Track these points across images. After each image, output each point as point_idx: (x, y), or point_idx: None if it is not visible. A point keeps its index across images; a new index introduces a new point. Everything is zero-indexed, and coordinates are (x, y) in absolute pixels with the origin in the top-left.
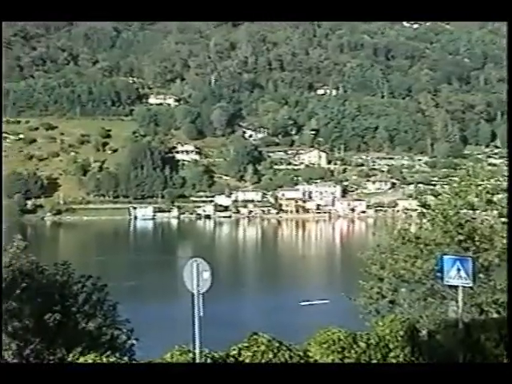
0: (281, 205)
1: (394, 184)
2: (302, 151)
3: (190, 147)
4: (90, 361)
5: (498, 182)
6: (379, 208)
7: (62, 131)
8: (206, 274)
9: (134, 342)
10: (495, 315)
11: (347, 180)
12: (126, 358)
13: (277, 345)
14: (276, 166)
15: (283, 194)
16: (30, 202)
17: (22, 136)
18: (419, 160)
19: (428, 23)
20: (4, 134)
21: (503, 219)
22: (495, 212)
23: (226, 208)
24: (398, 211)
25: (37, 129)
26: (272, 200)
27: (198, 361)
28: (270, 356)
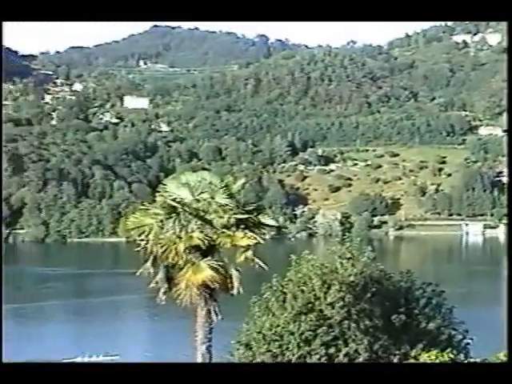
0: None
1: None
2: None
3: None
4: (433, 357)
5: None
6: None
7: (403, 158)
8: None
9: (469, 341)
10: None
11: None
12: (461, 356)
13: None
14: None
15: None
16: (376, 219)
17: (369, 162)
18: None
19: None
20: (354, 161)
21: None
22: None
23: None
24: None
25: (382, 156)
26: None
27: None
28: None
